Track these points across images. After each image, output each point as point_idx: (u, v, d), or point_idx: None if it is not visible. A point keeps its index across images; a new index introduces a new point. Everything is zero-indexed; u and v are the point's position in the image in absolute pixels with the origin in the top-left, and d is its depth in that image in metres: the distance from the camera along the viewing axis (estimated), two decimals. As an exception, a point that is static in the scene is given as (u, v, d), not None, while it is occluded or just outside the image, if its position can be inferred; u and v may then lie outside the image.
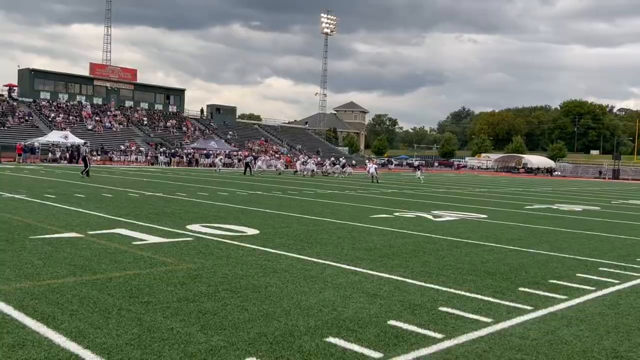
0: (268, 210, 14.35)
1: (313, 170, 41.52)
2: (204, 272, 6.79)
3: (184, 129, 71.09)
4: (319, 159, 55.20)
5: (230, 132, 73.67)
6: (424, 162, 45.64)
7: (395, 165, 75.06)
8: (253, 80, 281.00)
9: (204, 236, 9.52)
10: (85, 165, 27.84)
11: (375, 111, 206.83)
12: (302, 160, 46.44)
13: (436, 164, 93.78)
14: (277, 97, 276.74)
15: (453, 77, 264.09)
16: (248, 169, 39.70)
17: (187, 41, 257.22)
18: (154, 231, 9.90)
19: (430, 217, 14.62)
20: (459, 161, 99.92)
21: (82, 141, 45.86)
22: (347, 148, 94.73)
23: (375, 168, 35.84)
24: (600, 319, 5.57)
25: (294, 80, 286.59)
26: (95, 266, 6.87)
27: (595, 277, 7.56)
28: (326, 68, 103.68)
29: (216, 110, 79.20)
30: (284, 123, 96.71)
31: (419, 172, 39.57)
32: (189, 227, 10.58)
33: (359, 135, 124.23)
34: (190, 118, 76.48)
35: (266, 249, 8.52)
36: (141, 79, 79.28)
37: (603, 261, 8.91)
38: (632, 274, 7.98)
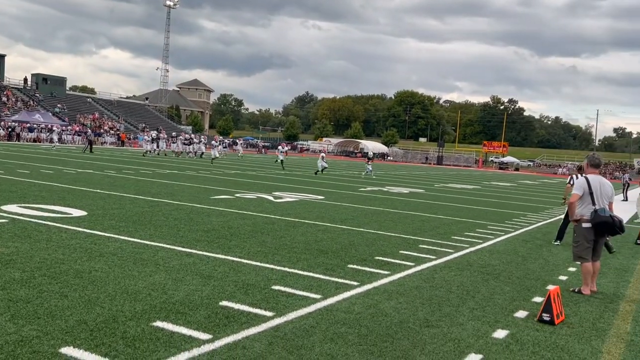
0: (99, 191, 13.45)
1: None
2: (19, 257, 6.16)
3: (4, 99, 63.67)
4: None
5: (59, 105, 67.53)
6: (372, 153, 35.31)
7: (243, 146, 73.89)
8: (87, 50, 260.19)
9: (21, 218, 8.63)
10: None
11: (220, 90, 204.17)
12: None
13: (289, 147, 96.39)
14: (113, 70, 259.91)
15: (298, 62, 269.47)
16: (89, 145, 37.20)
17: (8, 1, 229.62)
18: (-41, 212, 8.75)
19: (271, 198, 14.82)
20: (302, 144, 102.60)
21: None
22: (190, 127, 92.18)
23: (284, 153, 33.95)
24: (417, 292, 6.09)
25: (134, 52, 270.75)
26: None
27: (415, 254, 8.25)
28: (168, 42, 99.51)
29: (43, 80, 71.92)
30: (122, 98, 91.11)
31: (369, 166, 32.05)
32: (4, 207, 9.52)
33: (203, 114, 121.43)
34: (11, 87, 68.61)
35: (93, 232, 7.97)
36: (-50, 39, 69.24)
37: (423, 239, 9.75)
38: (447, 250, 8.85)
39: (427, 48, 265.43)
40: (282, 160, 33.84)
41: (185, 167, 26.30)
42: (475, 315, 5.39)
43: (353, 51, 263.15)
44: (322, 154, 31.35)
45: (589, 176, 6.93)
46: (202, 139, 44.48)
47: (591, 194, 6.76)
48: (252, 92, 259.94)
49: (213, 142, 36.86)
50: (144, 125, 70.74)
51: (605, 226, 6.65)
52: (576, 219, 6.86)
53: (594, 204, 6.73)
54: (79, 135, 52.80)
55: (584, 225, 6.77)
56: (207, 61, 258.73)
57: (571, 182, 11.06)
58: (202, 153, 40.60)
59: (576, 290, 6.78)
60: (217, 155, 36.72)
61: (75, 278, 5.50)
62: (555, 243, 10.59)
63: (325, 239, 9.00)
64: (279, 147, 35.75)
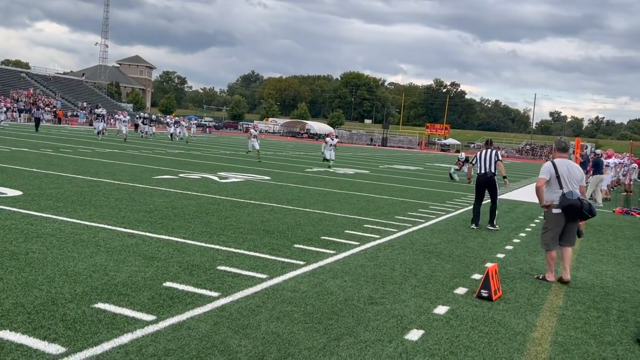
0: (35, 170, 12.90)
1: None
2: (-52, 239, 5.85)
3: None
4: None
5: (-10, 80, 64.00)
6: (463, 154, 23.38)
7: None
8: (20, 22, 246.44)
9: (-51, 198, 8.19)
10: None
11: (163, 68, 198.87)
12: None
13: (239, 126, 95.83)
14: (49, 44, 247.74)
15: (244, 40, 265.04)
16: (36, 123, 35.74)
17: None
18: None
19: (216, 178, 14.64)
20: (248, 124, 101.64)
21: None
22: (131, 105, 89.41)
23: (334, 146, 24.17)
24: (361, 271, 6.19)
25: (71, 26, 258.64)
26: None
27: (360, 233, 8.37)
28: (108, 17, 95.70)
29: (-28, 52, 67.94)
30: (58, 73, 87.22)
31: (464, 168, 22.91)
32: None
33: (145, 92, 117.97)
34: (-63, 59, 64.41)
35: (29, 212, 7.66)
36: None
37: (368, 219, 9.90)
38: (390, 229, 9.03)
39: (372, 29, 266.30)
40: (325, 159, 23.51)
41: (126, 147, 25.56)
42: (417, 292, 5.55)
43: (299, 30, 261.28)
44: None
45: (556, 160, 6.73)
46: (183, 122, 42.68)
47: (558, 177, 6.57)
48: (196, 69, 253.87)
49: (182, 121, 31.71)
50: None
51: (574, 209, 6.43)
52: (545, 204, 6.66)
53: (561, 187, 6.55)
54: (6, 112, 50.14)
55: (554, 211, 6.55)
56: (149, 37, 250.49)
57: (473, 162, 10.91)
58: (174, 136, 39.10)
59: (540, 278, 6.63)
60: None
61: (11, 260, 5.29)
62: (489, 227, 10.14)
63: (272, 219, 8.99)
64: (327, 139, 24.24)
